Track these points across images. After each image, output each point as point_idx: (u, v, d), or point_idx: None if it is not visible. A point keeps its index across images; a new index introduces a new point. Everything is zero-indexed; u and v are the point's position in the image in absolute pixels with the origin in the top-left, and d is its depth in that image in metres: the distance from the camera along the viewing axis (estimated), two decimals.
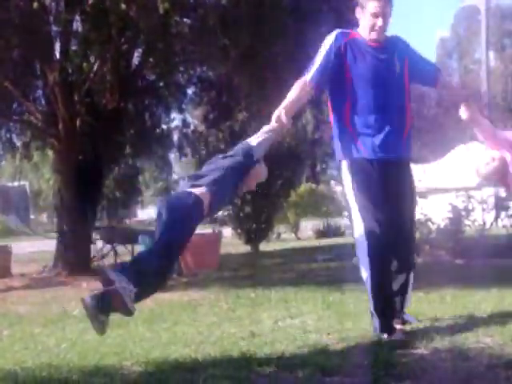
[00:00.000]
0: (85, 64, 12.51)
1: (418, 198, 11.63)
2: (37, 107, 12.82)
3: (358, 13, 5.26)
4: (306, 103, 5.96)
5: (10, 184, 40.33)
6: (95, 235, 13.43)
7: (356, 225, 5.17)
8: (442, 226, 12.29)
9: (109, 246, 13.41)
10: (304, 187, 26.75)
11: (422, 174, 15.95)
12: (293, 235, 25.85)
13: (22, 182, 40.25)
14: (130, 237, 12.90)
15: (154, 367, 4.54)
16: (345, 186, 5.29)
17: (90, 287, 10.05)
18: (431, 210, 12.86)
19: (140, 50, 12.70)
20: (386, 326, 5.13)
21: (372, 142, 5.18)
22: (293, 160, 17.37)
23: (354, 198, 5.18)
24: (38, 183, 49.42)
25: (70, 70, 12.31)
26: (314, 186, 29.68)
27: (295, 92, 5.23)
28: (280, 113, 5.09)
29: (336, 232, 24.48)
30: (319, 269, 11.26)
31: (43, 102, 12.86)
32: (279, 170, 16.96)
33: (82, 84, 12.26)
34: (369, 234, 5.09)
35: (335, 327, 5.60)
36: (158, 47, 12.16)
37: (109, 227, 18.32)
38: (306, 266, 11.81)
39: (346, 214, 21.39)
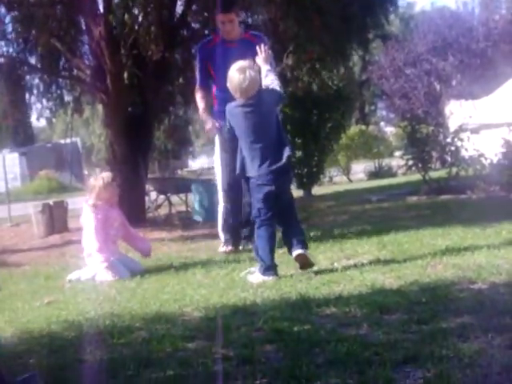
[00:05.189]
0: (128, 16, 12.50)
1: (469, 134, 11.42)
2: (84, 62, 12.86)
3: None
4: None
5: (62, 141, 40.71)
6: (149, 187, 13.56)
7: None
8: (495, 161, 12.13)
9: (162, 197, 13.56)
10: (354, 129, 26.59)
11: (472, 110, 15.74)
12: (344, 178, 25.81)
13: (73, 139, 40.60)
14: (183, 187, 13.04)
15: (214, 312, 4.61)
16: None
17: (145, 237, 10.20)
18: (483, 146, 12.70)
19: None
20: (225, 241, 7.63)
21: None
22: (341, 102, 17.21)
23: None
24: (90, 139, 49.96)
25: (114, 24, 12.31)
26: (363, 127, 29.48)
27: (201, 100, 7.60)
28: (210, 124, 7.40)
29: (388, 172, 24.36)
30: (372, 209, 11.22)
31: (90, 56, 12.88)
32: (328, 113, 16.85)
33: (127, 37, 12.25)
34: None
35: (391, 266, 5.61)
36: None
37: (162, 178, 18.47)
38: (359, 207, 11.77)
39: (397, 153, 21.07)
